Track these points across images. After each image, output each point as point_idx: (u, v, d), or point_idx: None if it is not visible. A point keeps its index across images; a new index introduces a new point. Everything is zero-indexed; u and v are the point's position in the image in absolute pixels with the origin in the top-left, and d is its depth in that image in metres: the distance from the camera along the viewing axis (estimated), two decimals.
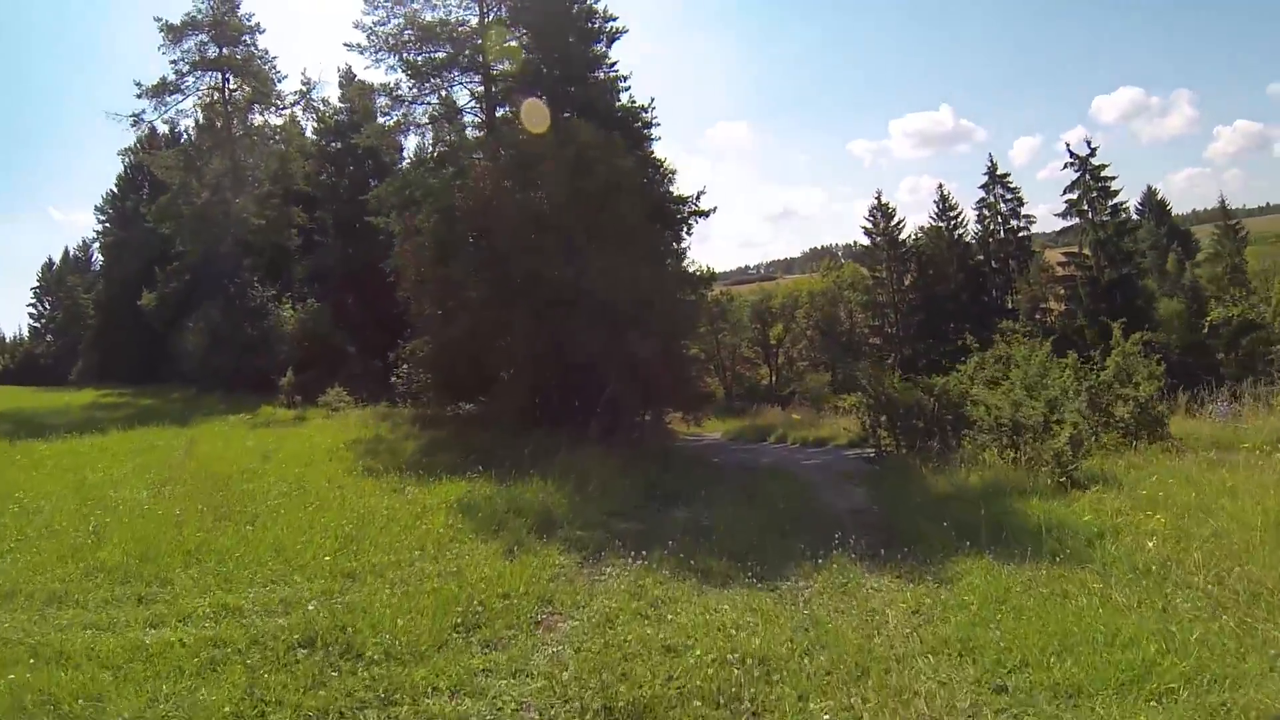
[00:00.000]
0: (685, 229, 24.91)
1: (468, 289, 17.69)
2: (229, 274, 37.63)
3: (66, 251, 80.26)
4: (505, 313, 17.11)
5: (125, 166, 57.12)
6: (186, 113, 41.83)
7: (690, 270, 24.75)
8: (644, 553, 8.49)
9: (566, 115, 22.12)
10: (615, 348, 16.81)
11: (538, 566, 8.10)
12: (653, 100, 26.65)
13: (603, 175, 17.79)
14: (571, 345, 16.93)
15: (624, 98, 26.11)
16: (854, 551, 8.47)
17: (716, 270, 50.73)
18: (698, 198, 25.10)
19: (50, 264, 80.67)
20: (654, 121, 26.08)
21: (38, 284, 79.85)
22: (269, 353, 33.40)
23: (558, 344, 16.87)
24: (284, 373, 29.97)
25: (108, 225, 61.29)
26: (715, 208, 25.43)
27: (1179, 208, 72.78)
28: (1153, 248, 56.32)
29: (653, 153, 25.42)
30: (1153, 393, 13.72)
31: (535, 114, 21.42)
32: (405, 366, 23.88)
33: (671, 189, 24.65)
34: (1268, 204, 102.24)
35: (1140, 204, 60.07)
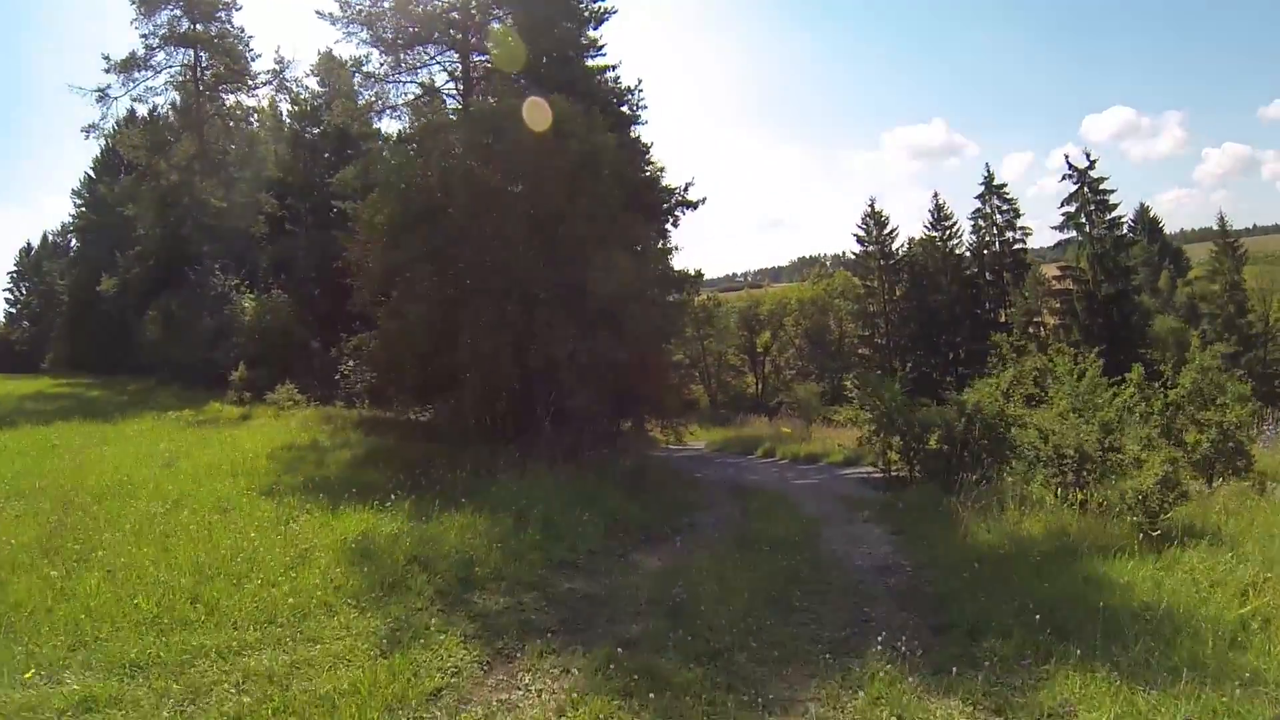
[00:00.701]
0: (671, 221, 22.00)
1: (418, 277, 14.72)
2: (190, 260, 34.42)
3: (45, 237, 76.39)
4: (459, 305, 14.18)
5: (101, 149, 53.67)
6: (157, 90, 38.55)
7: (676, 269, 21.86)
8: (583, 647, 5.57)
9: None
10: (585, 349, 13.91)
11: (418, 672, 5.17)
12: (640, 82, 23.80)
13: (576, 150, 14.89)
14: (534, 345, 13.99)
15: (611, 77, 23.17)
16: (896, 647, 5.59)
17: (704, 276, 48.38)
18: (686, 189, 22.22)
19: (29, 249, 76.86)
20: (641, 104, 23.21)
21: (14, 269, 76.05)
22: (226, 345, 30.22)
23: (518, 343, 13.93)
24: (238, 366, 26.87)
25: (83, 209, 57.84)
26: (705, 199, 22.50)
27: (1168, 227, 70.55)
28: (1145, 264, 54.15)
29: (639, 136, 22.55)
30: (1244, 417, 10.92)
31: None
32: (351, 363, 20.58)
33: (658, 176, 21.74)
34: (1254, 225, 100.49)
35: (1132, 221, 57.96)
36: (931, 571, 8.07)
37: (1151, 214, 63.88)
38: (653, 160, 22.32)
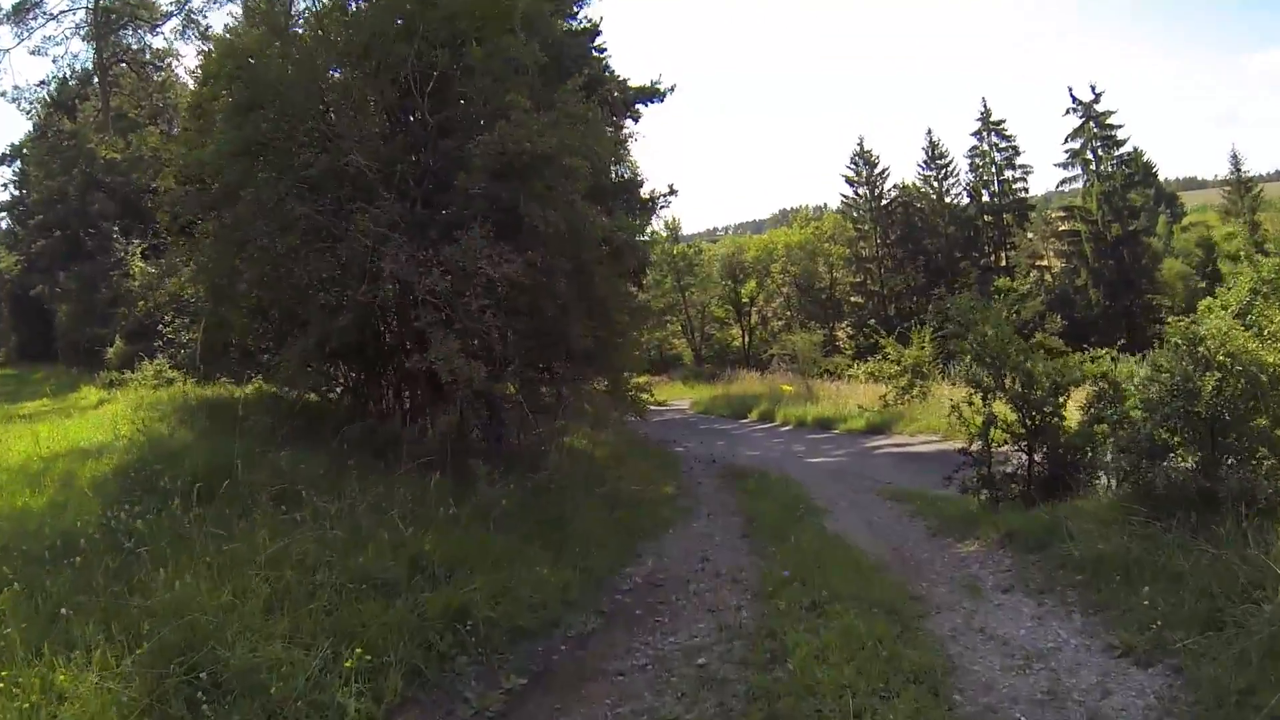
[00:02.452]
0: (631, 115, 16.36)
1: (234, 192, 8.87)
2: (83, 224, 28.31)
3: None
4: (290, 229, 8.46)
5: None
6: (57, 39, 31.73)
7: (637, 176, 16.19)
8: None
9: None
10: (441, 260, 8.20)
11: None
12: None
13: None
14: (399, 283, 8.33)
15: None
16: None
17: (682, 231, 42.47)
18: (653, 85, 16.53)
19: None
20: None
21: None
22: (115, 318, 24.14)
23: (367, 272, 8.23)
24: (122, 340, 21.07)
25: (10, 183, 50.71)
26: (674, 86, 16.72)
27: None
28: (1142, 209, 49.03)
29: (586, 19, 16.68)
30: None
31: None
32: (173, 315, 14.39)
33: (606, 63, 16.01)
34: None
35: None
36: None
37: (1145, 158, 58.55)
38: (604, 48, 16.59)
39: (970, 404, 8.31)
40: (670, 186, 17.99)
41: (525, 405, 9.01)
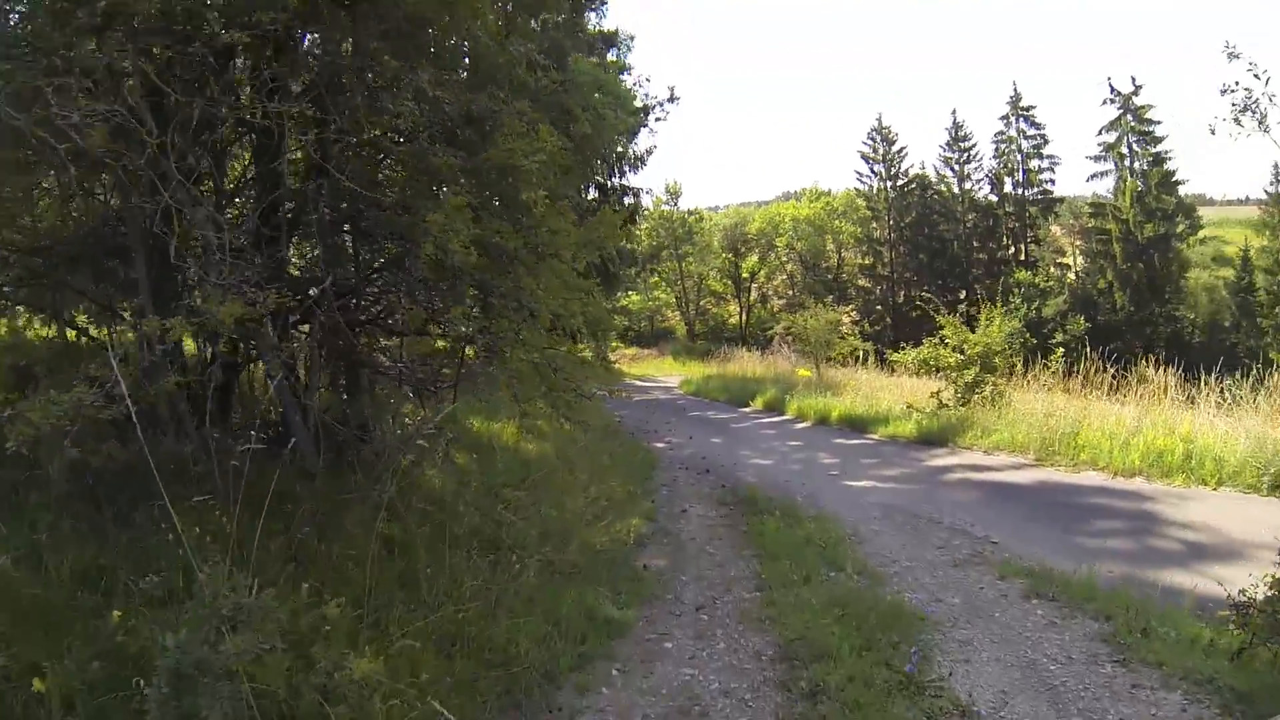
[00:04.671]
0: None
1: None
2: None
3: None
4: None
5: None
6: None
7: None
8: None
9: None
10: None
11: None
12: None
13: None
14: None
15: None
16: None
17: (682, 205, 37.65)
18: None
19: None
20: None
21: None
22: None
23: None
24: None
25: None
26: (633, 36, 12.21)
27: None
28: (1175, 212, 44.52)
29: None
30: None
31: None
32: None
33: None
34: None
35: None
36: None
37: (1166, 165, 53.71)
38: None
39: None
40: (671, 91, 13.38)
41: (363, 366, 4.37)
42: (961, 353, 10.84)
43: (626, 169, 20.02)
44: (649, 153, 19.67)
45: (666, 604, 4.63)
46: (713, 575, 5.16)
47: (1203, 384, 9.40)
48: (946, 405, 10.67)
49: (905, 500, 7.32)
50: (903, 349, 11.90)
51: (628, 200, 19.41)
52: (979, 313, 11.96)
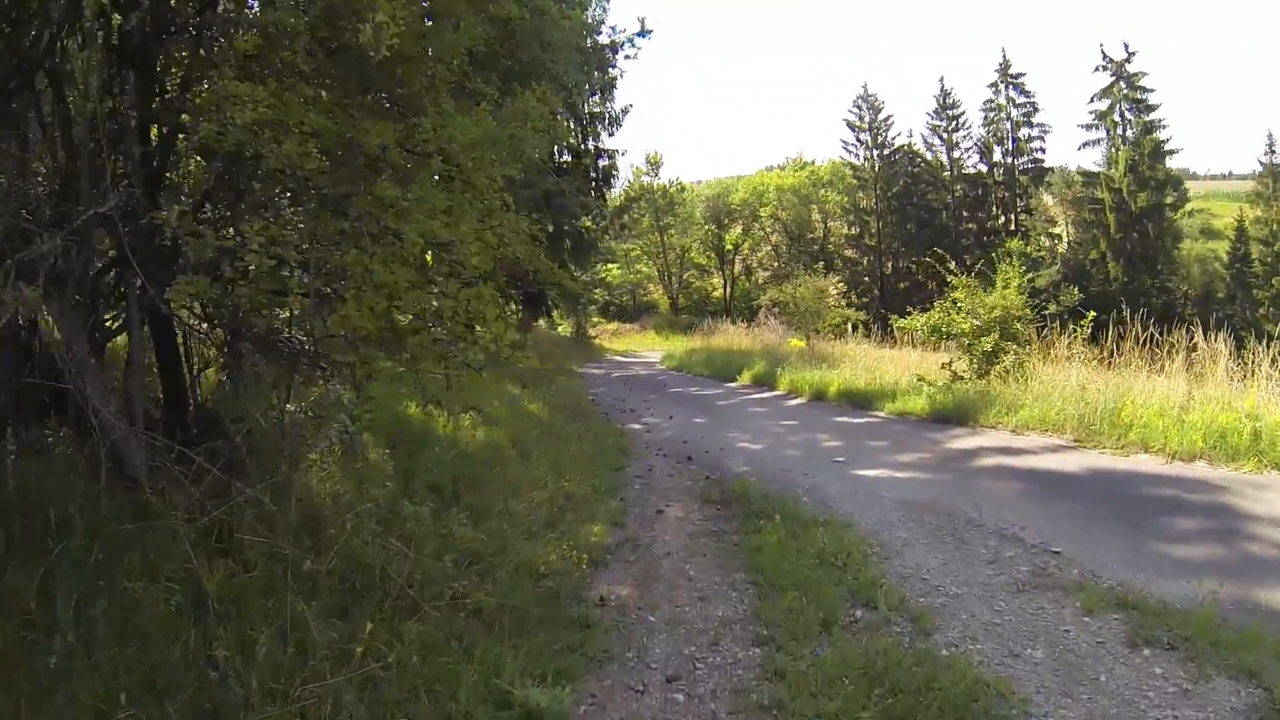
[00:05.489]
0: None
1: None
2: None
3: None
4: None
5: None
6: None
7: None
8: None
9: None
10: None
11: None
12: None
13: None
14: None
15: None
16: None
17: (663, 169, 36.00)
18: None
19: None
20: None
21: None
22: None
23: None
24: None
25: None
26: None
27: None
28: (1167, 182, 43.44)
29: None
30: None
31: None
32: None
33: None
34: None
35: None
36: None
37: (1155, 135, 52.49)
38: None
39: None
40: (641, 24, 11.70)
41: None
42: (977, 317, 9.36)
43: (601, 130, 18.33)
44: (625, 112, 17.95)
45: (626, 671, 3.11)
46: (693, 617, 3.65)
47: (1252, 352, 8.03)
48: (961, 378, 9.21)
49: (932, 495, 5.85)
50: (909, 314, 10.39)
51: (603, 164, 17.74)
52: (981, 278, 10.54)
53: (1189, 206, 47.90)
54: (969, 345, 9.31)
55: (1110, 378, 8.32)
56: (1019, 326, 9.43)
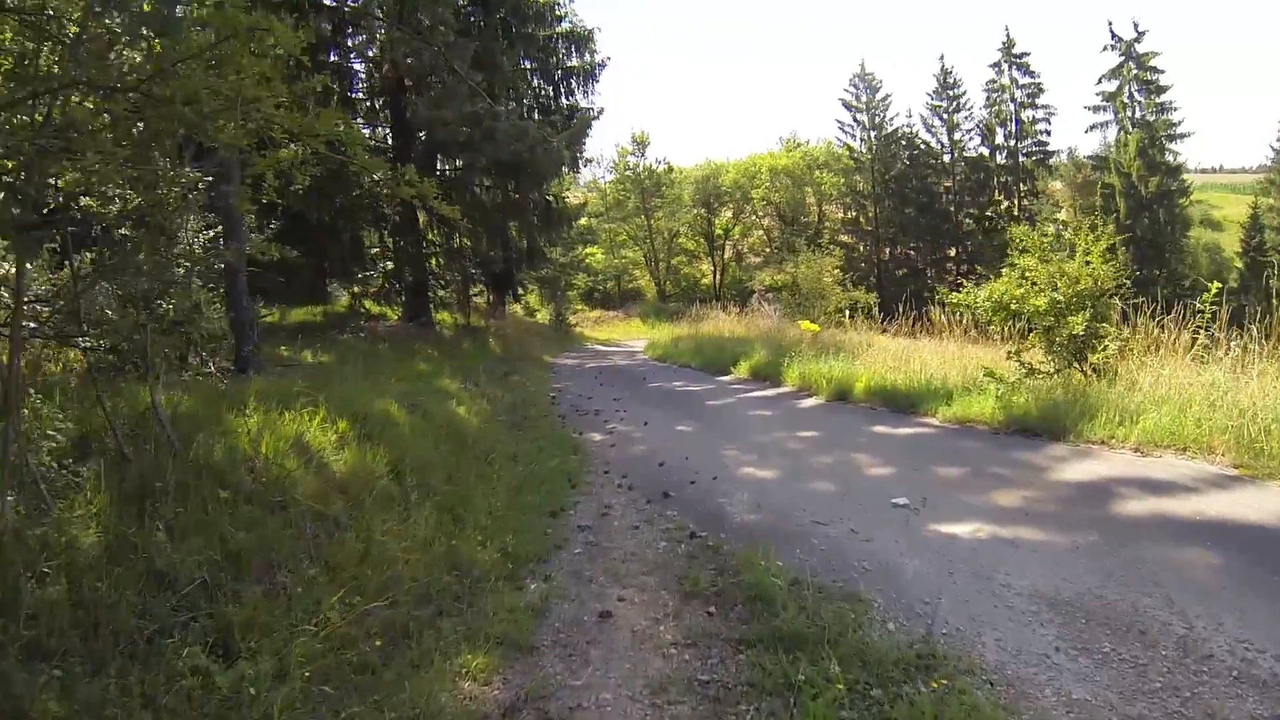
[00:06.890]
0: None
1: None
2: None
3: None
4: None
5: None
6: None
7: None
8: None
9: None
10: None
11: None
12: None
13: None
14: None
15: None
16: None
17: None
18: None
19: None
20: None
21: None
22: None
23: None
24: None
25: None
26: None
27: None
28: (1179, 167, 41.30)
29: None
30: None
31: None
32: None
33: None
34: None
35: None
36: None
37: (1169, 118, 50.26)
38: None
39: None
40: None
41: None
42: (1057, 291, 6.78)
43: (575, 86, 15.57)
44: (601, 66, 15.18)
45: None
46: None
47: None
48: (1038, 372, 6.65)
49: (1087, 580, 3.30)
50: (962, 287, 7.77)
51: (574, 122, 14.99)
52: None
53: (1191, 196, 45.86)
54: (1048, 329, 6.71)
55: (1232, 375, 5.76)
56: (1108, 307, 6.87)
